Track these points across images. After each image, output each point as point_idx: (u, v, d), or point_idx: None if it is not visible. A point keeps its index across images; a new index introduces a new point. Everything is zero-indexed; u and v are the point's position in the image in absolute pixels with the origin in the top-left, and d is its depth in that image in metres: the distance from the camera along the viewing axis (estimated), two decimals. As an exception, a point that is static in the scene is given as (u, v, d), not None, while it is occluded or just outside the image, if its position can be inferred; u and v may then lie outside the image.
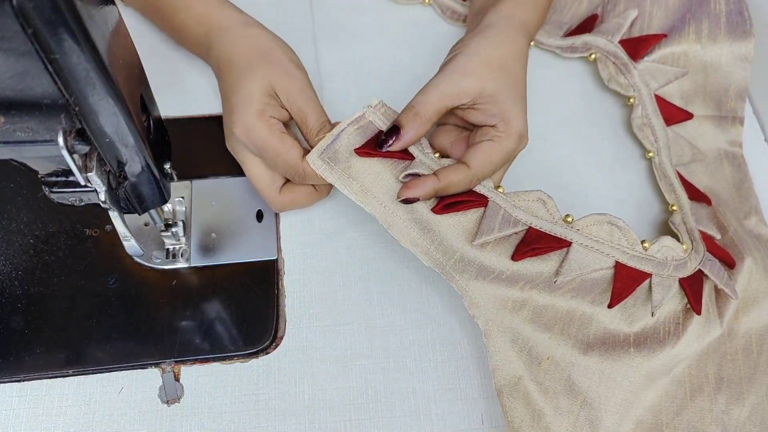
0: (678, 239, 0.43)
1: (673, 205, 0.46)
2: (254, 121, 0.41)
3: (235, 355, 0.42)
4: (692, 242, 0.43)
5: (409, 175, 0.41)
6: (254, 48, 0.44)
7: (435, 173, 0.40)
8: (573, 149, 0.51)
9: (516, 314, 0.40)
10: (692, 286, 0.41)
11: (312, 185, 0.44)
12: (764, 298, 0.44)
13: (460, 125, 0.45)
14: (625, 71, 0.51)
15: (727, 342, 0.43)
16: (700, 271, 0.42)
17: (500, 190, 0.42)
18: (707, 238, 0.44)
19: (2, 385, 0.40)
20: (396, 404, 0.41)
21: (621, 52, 0.51)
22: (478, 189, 0.42)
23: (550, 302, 0.40)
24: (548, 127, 0.52)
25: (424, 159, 0.42)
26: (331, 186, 0.44)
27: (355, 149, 0.41)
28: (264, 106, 0.42)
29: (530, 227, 0.41)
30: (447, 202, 0.40)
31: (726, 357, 0.42)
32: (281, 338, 0.43)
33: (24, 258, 0.44)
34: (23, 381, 0.40)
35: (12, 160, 0.30)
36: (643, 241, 0.41)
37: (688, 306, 0.41)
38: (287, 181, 0.44)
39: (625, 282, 0.40)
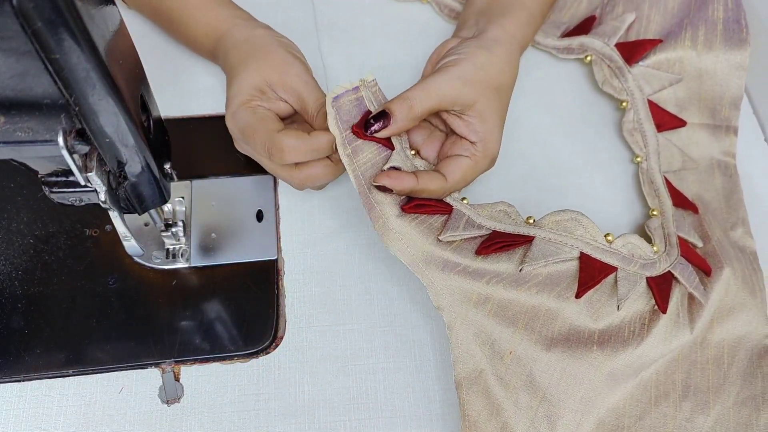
0: (649, 241, 0.43)
1: (653, 210, 0.46)
2: (238, 110, 0.42)
3: (235, 355, 0.42)
4: (666, 245, 0.43)
5: (393, 168, 0.41)
6: (249, 47, 0.44)
7: (415, 174, 0.41)
8: (563, 149, 0.51)
9: (480, 308, 0.39)
10: (659, 285, 0.41)
11: (327, 158, 0.43)
12: (740, 309, 0.44)
13: (433, 124, 0.45)
14: (620, 75, 0.51)
15: (699, 351, 0.42)
16: (670, 273, 0.42)
17: (465, 201, 0.43)
18: (685, 245, 0.44)
19: (2, 385, 0.40)
20: (396, 404, 0.41)
21: (616, 56, 0.51)
22: (446, 199, 0.43)
23: (515, 297, 0.40)
24: (540, 126, 0.52)
25: (402, 155, 0.42)
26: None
27: (352, 126, 0.41)
28: (251, 97, 0.43)
29: (494, 230, 0.42)
30: (417, 203, 0.41)
31: (696, 365, 0.42)
32: (281, 338, 0.43)
33: (24, 258, 0.44)
34: (23, 381, 0.40)
35: (12, 160, 0.30)
36: (606, 234, 0.42)
37: (656, 307, 0.41)
38: None
39: (591, 271, 0.40)
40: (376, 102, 0.42)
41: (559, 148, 0.51)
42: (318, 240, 0.46)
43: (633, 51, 0.51)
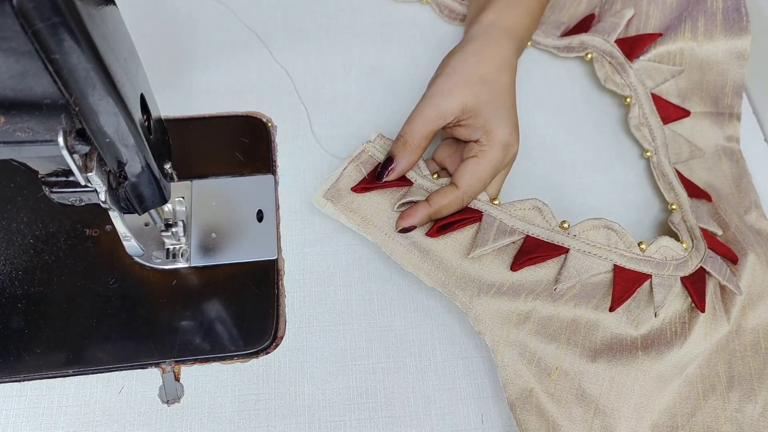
0: (677, 238, 0.43)
1: (672, 204, 0.46)
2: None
3: (235, 355, 0.42)
4: (692, 240, 0.43)
5: (405, 204, 0.43)
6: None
7: (426, 199, 0.42)
8: (571, 149, 0.51)
9: (521, 327, 0.40)
10: (694, 285, 0.41)
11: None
12: None
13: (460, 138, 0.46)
14: (621, 71, 0.51)
15: (736, 339, 0.42)
16: (702, 268, 0.42)
17: (496, 202, 0.43)
18: (708, 236, 0.44)
19: (2, 385, 0.40)
20: (396, 404, 0.41)
21: (617, 52, 0.51)
22: (473, 204, 0.43)
23: (554, 312, 0.40)
24: (546, 127, 0.52)
25: (422, 181, 0.44)
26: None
27: (351, 188, 0.43)
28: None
29: (527, 235, 0.42)
30: (440, 224, 0.42)
31: (735, 354, 0.42)
32: (281, 338, 0.43)
33: (24, 258, 0.44)
34: (23, 381, 0.40)
35: (12, 160, 0.30)
36: (640, 243, 0.42)
37: (693, 305, 0.41)
38: None
39: (625, 284, 0.40)
40: (385, 151, 0.45)
41: (565, 148, 0.51)
42: (318, 240, 0.46)
43: (633, 46, 0.51)
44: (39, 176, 0.32)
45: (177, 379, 0.41)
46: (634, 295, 0.41)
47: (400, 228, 0.42)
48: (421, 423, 0.41)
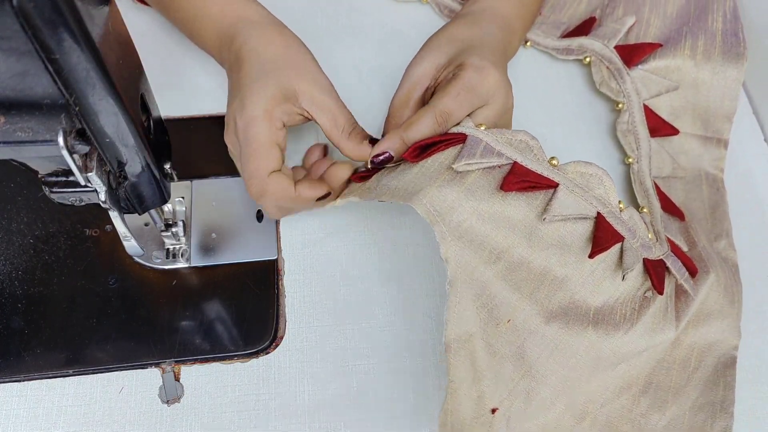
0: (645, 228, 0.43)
1: (643, 207, 0.46)
2: (259, 117, 0.39)
3: (235, 355, 0.42)
4: (657, 238, 0.43)
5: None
6: (284, 48, 0.42)
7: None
8: (556, 146, 0.51)
9: (490, 267, 0.37)
10: (655, 268, 0.41)
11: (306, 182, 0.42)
12: (716, 317, 0.43)
13: None
14: (618, 77, 0.51)
15: (669, 350, 0.42)
16: (663, 261, 0.42)
17: (482, 127, 0.40)
18: (673, 245, 0.44)
19: (2, 385, 0.40)
20: (396, 404, 0.41)
21: (616, 57, 0.51)
22: (455, 129, 0.39)
23: (526, 258, 0.38)
24: (535, 123, 0.51)
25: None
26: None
27: (351, 176, 0.42)
28: (273, 106, 0.39)
29: (515, 162, 0.39)
30: (420, 145, 0.38)
31: (662, 363, 0.42)
32: (281, 338, 0.43)
33: (24, 258, 0.44)
34: (23, 381, 0.40)
35: (12, 160, 0.30)
36: (619, 201, 0.40)
37: (647, 294, 0.40)
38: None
39: (605, 234, 0.39)
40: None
41: (553, 145, 0.51)
42: (318, 240, 0.46)
43: (632, 54, 0.51)
44: (39, 176, 0.32)
45: (177, 379, 0.41)
46: (605, 255, 0.39)
47: (372, 157, 0.38)
48: (421, 423, 0.41)
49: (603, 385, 0.40)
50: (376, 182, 0.40)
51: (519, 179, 0.38)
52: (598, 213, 0.39)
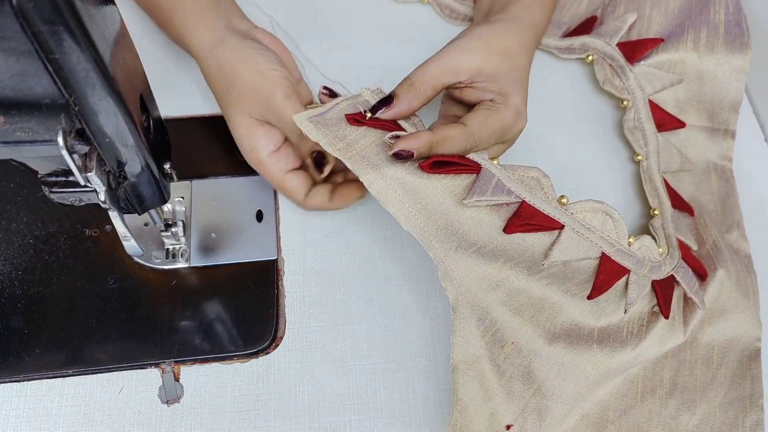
0: (656, 242, 0.43)
1: (654, 209, 0.46)
2: (262, 162, 0.44)
3: (235, 355, 0.42)
4: (669, 247, 0.43)
5: (395, 136, 0.39)
6: (225, 81, 0.44)
7: (430, 127, 0.39)
8: (563, 147, 0.51)
9: (490, 293, 0.38)
10: (663, 290, 0.41)
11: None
12: (732, 311, 0.43)
13: (459, 116, 0.44)
14: (621, 74, 0.51)
15: (688, 350, 0.42)
16: (672, 276, 0.42)
17: (495, 161, 0.41)
18: (684, 247, 0.44)
19: (2, 385, 0.40)
20: (396, 404, 0.41)
21: (618, 55, 0.51)
22: (472, 157, 0.40)
23: (526, 286, 0.39)
24: (540, 124, 0.52)
25: (413, 130, 0.41)
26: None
27: (345, 114, 0.40)
28: (263, 140, 0.44)
29: (524, 201, 0.39)
30: (438, 160, 0.38)
31: (685, 364, 0.42)
32: (281, 338, 0.43)
33: (24, 258, 0.44)
34: (23, 381, 0.40)
35: (12, 160, 0.30)
36: (629, 236, 0.41)
37: (655, 309, 0.41)
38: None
39: (608, 275, 0.40)
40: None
41: (559, 146, 0.51)
42: (318, 240, 0.46)
43: (635, 50, 0.51)
44: (39, 176, 0.32)
45: (177, 380, 0.41)
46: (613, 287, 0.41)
47: (397, 149, 0.37)
48: (421, 423, 0.41)
49: (617, 391, 0.40)
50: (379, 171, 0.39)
51: (523, 222, 0.39)
52: (603, 254, 0.40)
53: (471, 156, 0.40)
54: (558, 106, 0.53)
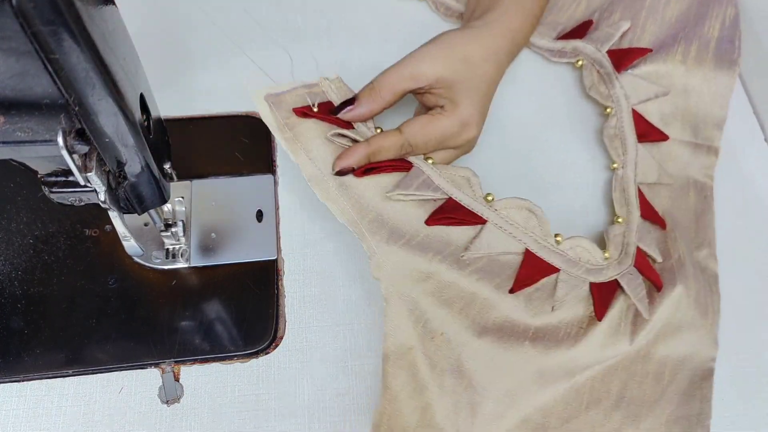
0: (603, 248, 0.43)
1: (618, 217, 0.46)
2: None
3: (235, 355, 0.42)
4: (621, 254, 0.43)
5: (337, 134, 0.42)
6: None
7: (366, 139, 0.42)
8: (544, 148, 0.51)
9: (419, 284, 0.39)
10: (601, 292, 0.41)
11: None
12: (688, 329, 0.43)
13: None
14: (608, 81, 0.51)
15: (640, 363, 0.42)
16: (616, 281, 0.42)
17: (430, 161, 0.43)
18: (642, 257, 0.44)
19: (2, 385, 0.40)
20: (396, 404, 0.41)
21: (606, 62, 0.51)
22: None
23: (455, 280, 0.40)
24: (523, 124, 0.52)
25: (363, 129, 0.43)
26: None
27: (293, 108, 0.43)
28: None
29: (450, 198, 0.41)
30: (368, 167, 0.41)
31: (635, 377, 0.42)
32: (281, 338, 0.43)
33: (24, 258, 0.44)
34: (23, 381, 0.40)
35: (12, 160, 0.30)
36: (556, 235, 0.41)
37: (592, 315, 0.41)
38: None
39: (531, 270, 0.40)
40: (341, 94, 0.44)
41: (540, 147, 0.51)
42: (318, 240, 0.46)
43: (622, 58, 0.51)
44: (38, 176, 0.32)
45: (177, 380, 0.41)
46: (538, 285, 0.41)
47: (338, 168, 0.41)
48: (421, 423, 0.41)
49: (561, 398, 0.40)
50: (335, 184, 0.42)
51: (445, 215, 0.40)
52: (527, 249, 0.41)
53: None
54: (544, 107, 0.53)
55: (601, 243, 0.45)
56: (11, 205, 0.45)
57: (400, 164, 0.42)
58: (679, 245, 0.46)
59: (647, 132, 0.50)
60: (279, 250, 0.45)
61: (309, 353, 0.42)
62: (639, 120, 0.50)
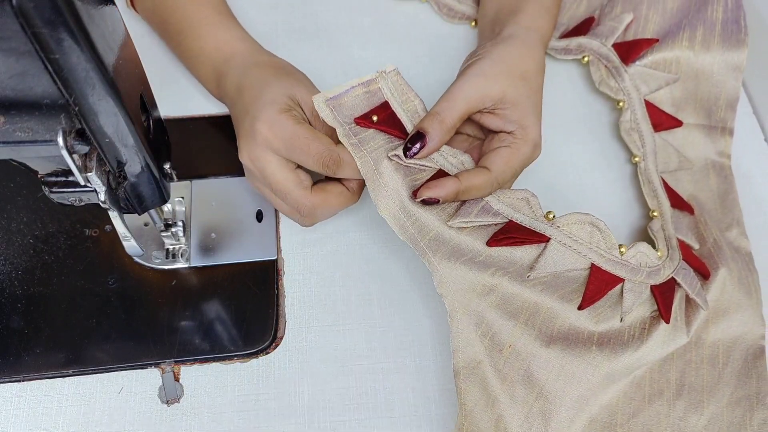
0: (654, 245, 0.43)
1: (653, 211, 0.46)
2: (280, 116, 0.39)
3: (235, 355, 0.42)
4: (668, 249, 0.43)
5: (399, 155, 0.40)
6: (274, 66, 0.44)
7: (456, 175, 0.40)
8: (561, 149, 0.51)
9: (483, 298, 0.39)
10: (663, 294, 0.41)
11: (343, 185, 0.42)
12: (735, 310, 0.43)
13: (472, 135, 0.45)
14: (616, 75, 0.51)
15: (693, 350, 0.42)
16: (672, 279, 0.42)
17: None
18: (685, 248, 0.44)
19: (2, 385, 0.40)
20: (396, 404, 0.41)
21: (613, 55, 0.51)
22: None
23: (519, 292, 0.40)
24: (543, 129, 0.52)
25: (442, 160, 0.42)
26: (363, 186, 0.43)
27: (355, 118, 0.41)
28: (288, 107, 0.40)
29: (510, 220, 0.41)
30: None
31: (690, 365, 0.42)
32: (281, 338, 0.43)
33: (24, 258, 0.44)
34: (23, 381, 0.40)
35: (12, 160, 0.30)
36: (620, 246, 0.41)
37: (657, 313, 0.41)
38: (315, 183, 0.42)
39: (599, 285, 0.40)
40: (398, 92, 0.42)
41: (557, 148, 0.51)
42: (318, 240, 0.46)
43: (630, 50, 0.51)
44: (39, 176, 0.32)
45: (177, 380, 0.41)
46: (609, 293, 0.41)
47: (424, 197, 0.39)
48: (421, 423, 0.41)
49: (624, 394, 0.40)
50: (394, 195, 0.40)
51: (506, 235, 0.40)
52: (592, 264, 0.41)
53: None
54: (554, 106, 0.53)
55: (645, 239, 0.45)
56: (11, 205, 0.45)
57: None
58: (711, 228, 0.46)
59: (661, 121, 0.50)
60: (279, 250, 0.45)
61: (309, 353, 0.42)
62: (652, 110, 0.50)
